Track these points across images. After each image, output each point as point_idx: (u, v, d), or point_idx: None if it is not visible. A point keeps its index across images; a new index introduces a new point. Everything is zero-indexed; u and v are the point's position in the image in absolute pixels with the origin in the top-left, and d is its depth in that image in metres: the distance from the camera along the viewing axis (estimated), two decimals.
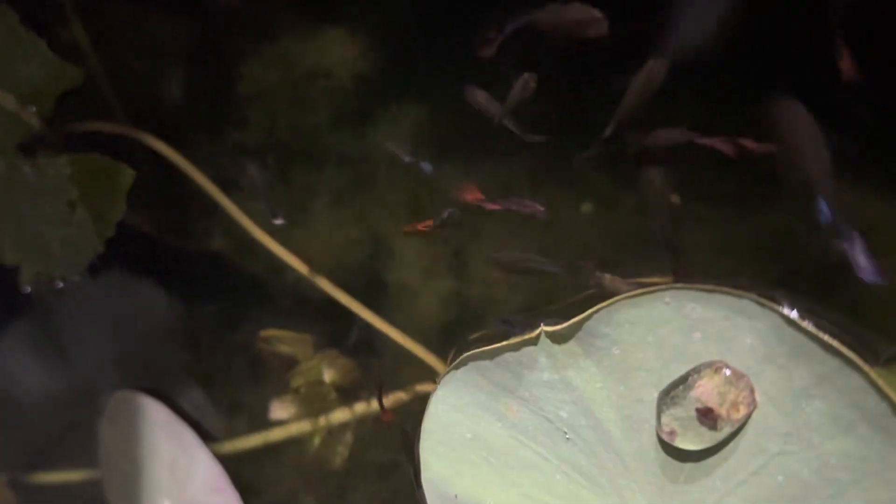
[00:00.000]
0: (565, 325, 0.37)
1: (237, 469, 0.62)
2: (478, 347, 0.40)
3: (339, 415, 0.60)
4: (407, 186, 0.57)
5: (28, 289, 0.65)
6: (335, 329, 0.59)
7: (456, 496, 0.44)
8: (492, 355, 0.40)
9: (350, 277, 0.57)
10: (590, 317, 0.36)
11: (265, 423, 0.63)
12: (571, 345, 0.37)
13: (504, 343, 0.39)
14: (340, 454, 0.60)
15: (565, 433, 0.39)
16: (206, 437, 0.62)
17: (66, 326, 0.69)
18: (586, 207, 0.49)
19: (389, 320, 0.55)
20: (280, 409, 0.62)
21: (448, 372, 0.42)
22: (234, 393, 0.64)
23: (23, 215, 0.62)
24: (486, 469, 0.43)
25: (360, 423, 0.59)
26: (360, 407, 0.59)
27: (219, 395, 0.64)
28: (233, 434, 0.64)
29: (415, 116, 0.58)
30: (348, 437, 0.60)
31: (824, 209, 0.37)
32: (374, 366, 0.56)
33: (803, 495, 0.33)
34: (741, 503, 0.35)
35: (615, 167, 0.48)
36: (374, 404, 0.59)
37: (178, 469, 0.62)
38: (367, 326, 0.57)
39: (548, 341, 0.38)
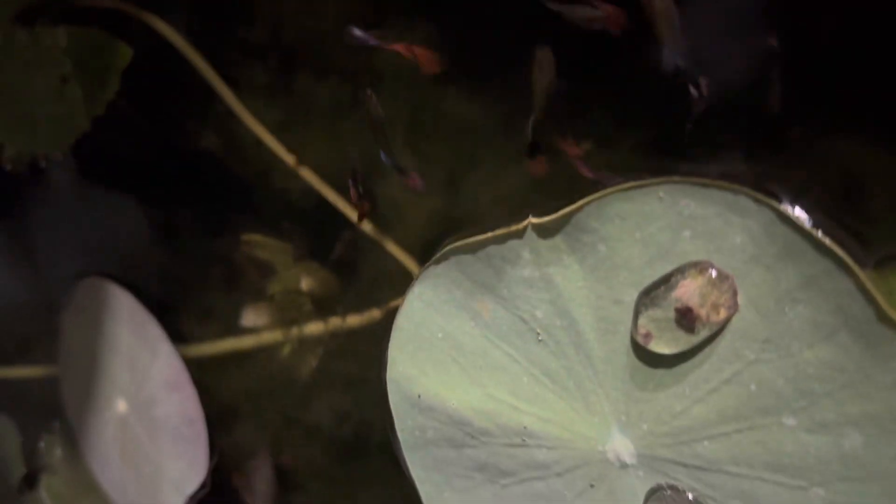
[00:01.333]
0: (554, 216, 0.36)
1: (200, 374, 0.61)
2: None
3: (313, 327, 0.59)
4: (410, 104, 0.56)
5: (8, 167, 0.64)
6: (318, 242, 0.58)
7: (419, 396, 0.43)
8: (475, 248, 0.39)
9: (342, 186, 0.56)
10: (580, 208, 0.35)
11: (235, 330, 0.62)
12: (557, 240, 0.36)
13: (489, 234, 0.38)
14: (308, 365, 0.59)
15: (538, 334, 0.38)
16: (173, 338, 0.61)
17: (38, 212, 0.68)
18: None
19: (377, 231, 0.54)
20: (252, 317, 0.61)
21: (427, 267, 0.42)
22: (206, 297, 0.63)
23: (13, 87, 0.61)
24: (453, 369, 0.42)
25: (333, 337, 0.58)
26: (334, 321, 0.58)
27: (191, 298, 0.63)
28: (201, 338, 0.62)
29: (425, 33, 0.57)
30: (318, 351, 0.59)
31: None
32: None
33: (774, 406, 0.33)
34: (710, 412, 0.34)
35: None
36: (350, 320, 0.58)
37: (137, 366, 0.61)
38: (352, 242, 0.56)
39: (533, 235, 0.37)
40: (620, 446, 0.37)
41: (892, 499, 0.31)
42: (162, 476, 0.61)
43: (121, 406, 0.63)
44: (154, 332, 0.58)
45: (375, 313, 0.55)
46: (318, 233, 0.57)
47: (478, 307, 0.40)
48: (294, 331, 0.59)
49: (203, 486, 0.61)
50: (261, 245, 0.58)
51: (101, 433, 0.66)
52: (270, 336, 0.60)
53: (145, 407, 0.61)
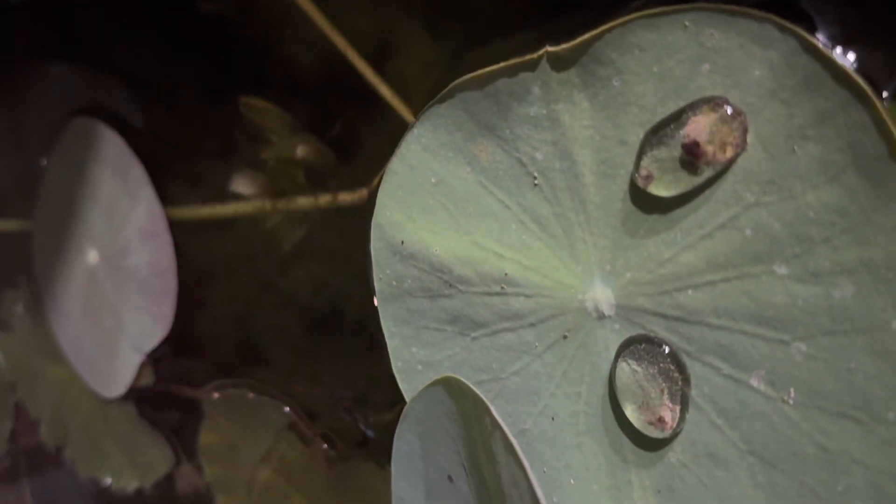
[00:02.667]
0: (572, 43, 0.35)
1: (181, 237, 0.59)
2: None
3: (303, 201, 0.58)
4: None
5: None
6: (319, 117, 0.57)
7: (402, 242, 0.42)
8: (483, 83, 0.38)
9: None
10: (600, 36, 0.34)
11: (223, 196, 0.60)
12: (571, 73, 0.36)
13: (501, 65, 0.37)
14: (293, 238, 0.58)
15: (534, 178, 0.37)
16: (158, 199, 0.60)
17: (36, 48, 0.66)
18: None
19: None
20: (242, 184, 0.60)
21: (431, 106, 0.41)
22: (198, 162, 0.62)
23: None
24: (442, 215, 0.41)
25: (322, 214, 0.57)
26: (325, 198, 0.57)
27: (181, 161, 0.62)
28: (186, 202, 0.61)
29: None
30: (305, 224, 0.58)
31: None
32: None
33: (768, 253, 0.32)
34: (699, 259, 0.33)
35: None
36: (341, 197, 0.57)
37: (115, 213, 0.59)
38: (353, 122, 0.55)
39: (546, 67, 0.36)
40: (600, 295, 0.36)
41: (873, 354, 0.30)
42: (123, 332, 0.60)
43: (92, 256, 0.61)
44: (137, 176, 0.57)
45: (366, 194, 0.54)
46: (321, 108, 0.56)
47: (476, 150, 0.39)
48: (283, 202, 0.58)
49: (162, 344, 0.60)
50: (260, 110, 0.57)
51: (67, 287, 0.65)
52: (258, 205, 0.59)
53: (117, 256, 0.59)
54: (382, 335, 0.50)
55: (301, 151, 0.56)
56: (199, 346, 0.62)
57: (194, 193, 0.62)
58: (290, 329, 0.59)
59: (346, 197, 0.57)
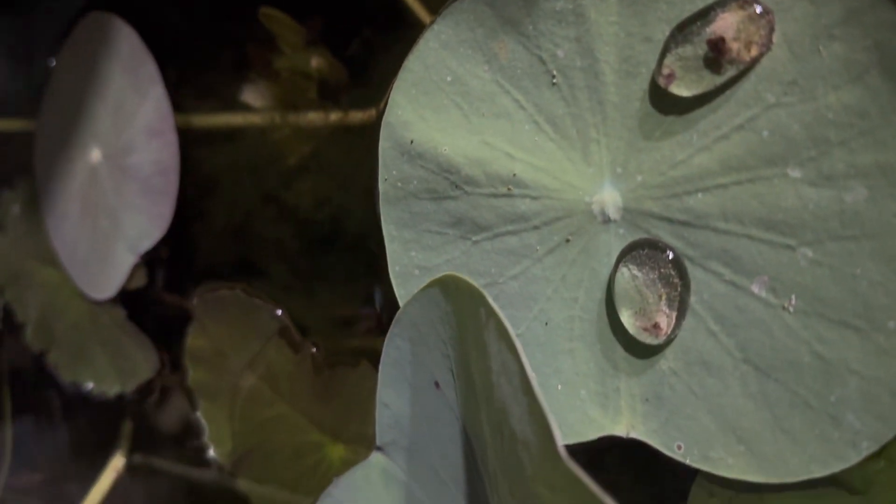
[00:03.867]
0: None
1: (186, 146, 0.59)
2: None
3: (313, 116, 0.57)
4: None
5: None
6: (336, 32, 0.56)
7: (412, 141, 0.42)
8: None
9: None
10: None
11: (232, 107, 0.60)
12: None
13: None
14: (299, 153, 0.57)
15: (553, 77, 0.37)
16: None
17: None
18: None
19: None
20: (253, 95, 0.59)
21: (453, 1, 0.40)
22: (210, 70, 0.61)
23: None
24: (455, 115, 0.40)
25: (331, 131, 0.57)
26: (335, 115, 0.57)
27: (194, 68, 0.61)
28: (196, 110, 0.61)
29: None
30: (313, 141, 0.57)
31: None
32: None
33: (783, 155, 0.31)
34: (712, 161, 0.33)
35: None
36: (350, 116, 0.57)
37: (122, 110, 0.59)
38: (370, 42, 0.55)
39: None
40: (608, 198, 0.35)
41: (880, 260, 0.29)
42: (119, 232, 0.59)
43: (94, 155, 0.61)
44: (149, 72, 0.56)
45: (375, 113, 0.54)
46: (339, 24, 0.56)
47: (496, 48, 0.39)
48: (293, 116, 0.58)
49: (157, 248, 0.59)
50: (278, 20, 0.57)
51: (66, 187, 0.64)
52: (267, 117, 0.58)
53: (121, 155, 0.59)
54: (381, 257, 0.49)
55: (315, 63, 0.56)
56: (195, 256, 0.61)
57: (203, 103, 0.62)
58: (288, 243, 0.58)
59: (356, 115, 0.56)
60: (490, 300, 0.34)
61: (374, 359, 0.47)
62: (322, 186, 0.56)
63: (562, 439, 0.28)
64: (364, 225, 0.55)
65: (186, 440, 0.65)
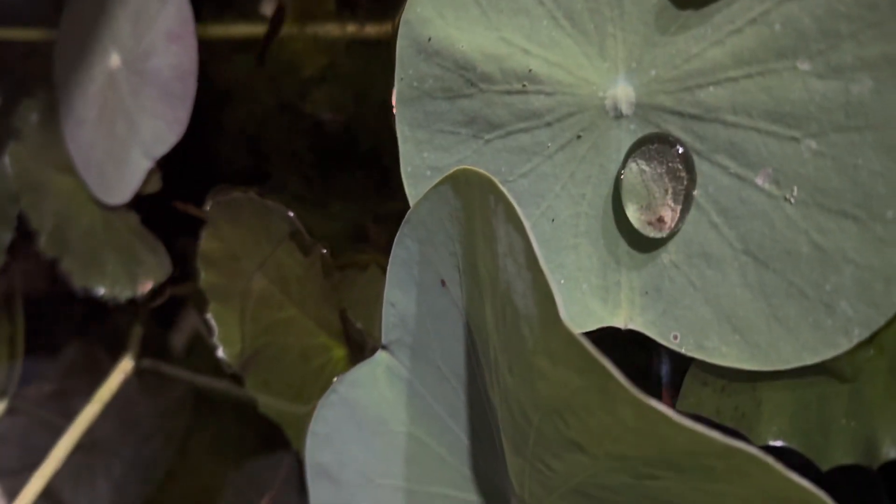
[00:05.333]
0: None
1: (204, 56, 0.59)
2: None
3: (330, 28, 0.58)
4: None
5: None
6: None
7: (429, 39, 0.42)
8: None
9: None
10: None
11: (252, 17, 0.60)
12: None
13: None
14: (316, 64, 0.58)
15: None
16: None
17: None
18: None
19: None
20: (272, 6, 0.59)
21: None
22: None
23: None
24: (473, 11, 0.41)
25: (348, 44, 0.57)
26: (352, 28, 0.57)
27: None
28: (215, 21, 0.61)
29: None
30: (330, 53, 0.58)
31: None
32: None
33: (792, 48, 0.32)
34: (725, 55, 0.34)
35: None
36: (367, 29, 0.57)
37: (143, 15, 0.59)
38: None
39: None
40: (621, 93, 0.36)
41: (882, 151, 0.30)
42: (135, 137, 0.60)
43: (114, 60, 0.62)
44: None
45: (391, 28, 0.54)
46: None
47: None
48: (310, 27, 0.58)
49: (173, 156, 0.60)
50: None
51: (84, 93, 0.65)
52: (285, 28, 0.59)
53: (140, 60, 0.59)
54: (394, 173, 0.50)
55: None
56: (209, 165, 0.62)
57: (223, 14, 0.62)
58: (302, 155, 0.59)
59: (372, 28, 0.57)
60: (499, 185, 0.35)
61: (383, 266, 0.48)
62: (337, 99, 0.57)
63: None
64: (377, 139, 0.56)
65: (195, 348, 0.67)
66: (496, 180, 0.35)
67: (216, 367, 0.65)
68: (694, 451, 0.30)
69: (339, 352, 0.54)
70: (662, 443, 0.30)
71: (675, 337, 0.36)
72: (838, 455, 0.32)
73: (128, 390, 0.71)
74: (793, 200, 0.32)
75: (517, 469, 0.40)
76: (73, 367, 0.83)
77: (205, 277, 0.56)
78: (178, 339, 0.70)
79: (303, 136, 0.58)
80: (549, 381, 0.32)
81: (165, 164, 0.61)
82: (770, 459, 0.28)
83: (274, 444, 0.63)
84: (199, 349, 0.70)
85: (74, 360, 0.83)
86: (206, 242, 0.55)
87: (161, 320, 0.70)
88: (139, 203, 0.63)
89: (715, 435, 0.28)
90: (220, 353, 0.56)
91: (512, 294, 0.34)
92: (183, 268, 0.65)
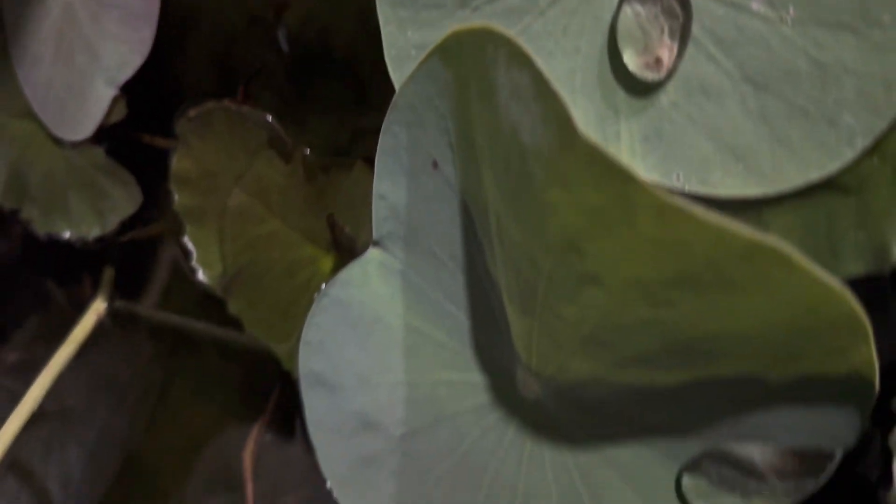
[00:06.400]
0: None
1: None
2: None
3: None
4: None
5: None
6: None
7: None
8: None
9: None
10: None
11: None
12: None
13: None
14: None
15: None
16: None
17: None
18: None
19: None
20: None
21: None
22: None
23: None
24: None
25: None
26: None
27: None
28: None
29: None
30: None
31: None
32: None
33: None
34: None
35: None
36: None
37: None
38: None
39: None
40: None
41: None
42: (97, 65, 0.58)
43: None
44: None
45: None
46: None
47: None
48: None
49: (137, 84, 0.58)
50: None
51: (38, 29, 0.63)
52: None
53: None
54: (372, 86, 0.49)
55: None
56: (176, 90, 0.61)
57: None
58: (274, 71, 0.58)
59: None
60: (497, 28, 0.34)
61: (371, 160, 0.47)
62: (311, 7, 0.55)
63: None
64: (352, 48, 0.55)
65: (173, 291, 0.65)
66: (493, 25, 0.35)
67: (196, 310, 0.64)
68: (714, 260, 0.30)
69: (327, 263, 0.53)
70: (682, 253, 0.30)
71: (678, 177, 0.36)
72: (850, 267, 0.32)
73: (101, 344, 0.69)
74: (789, 21, 0.33)
75: (524, 333, 0.40)
76: (39, 334, 0.80)
77: (179, 200, 0.55)
78: (155, 285, 0.67)
79: (275, 51, 0.57)
80: (562, 214, 0.32)
81: (130, 94, 0.59)
82: (793, 251, 0.28)
83: (262, 378, 0.62)
84: (177, 293, 0.68)
85: (41, 327, 0.79)
86: (179, 162, 0.54)
87: (135, 265, 0.67)
88: (103, 137, 0.61)
89: (739, 227, 0.28)
90: (201, 276, 0.54)
91: (519, 135, 0.34)
92: (155, 206, 0.63)
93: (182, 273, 0.64)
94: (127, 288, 0.67)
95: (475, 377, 0.45)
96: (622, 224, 0.30)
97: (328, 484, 0.49)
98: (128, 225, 0.61)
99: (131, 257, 0.67)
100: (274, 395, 0.59)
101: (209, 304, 0.61)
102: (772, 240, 0.28)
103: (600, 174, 0.29)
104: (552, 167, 0.31)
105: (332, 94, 0.57)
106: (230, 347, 0.64)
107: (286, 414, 0.59)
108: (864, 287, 0.32)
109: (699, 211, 0.28)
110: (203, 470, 0.67)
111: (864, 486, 0.39)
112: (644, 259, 0.31)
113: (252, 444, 0.57)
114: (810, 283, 0.30)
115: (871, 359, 0.32)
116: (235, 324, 0.58)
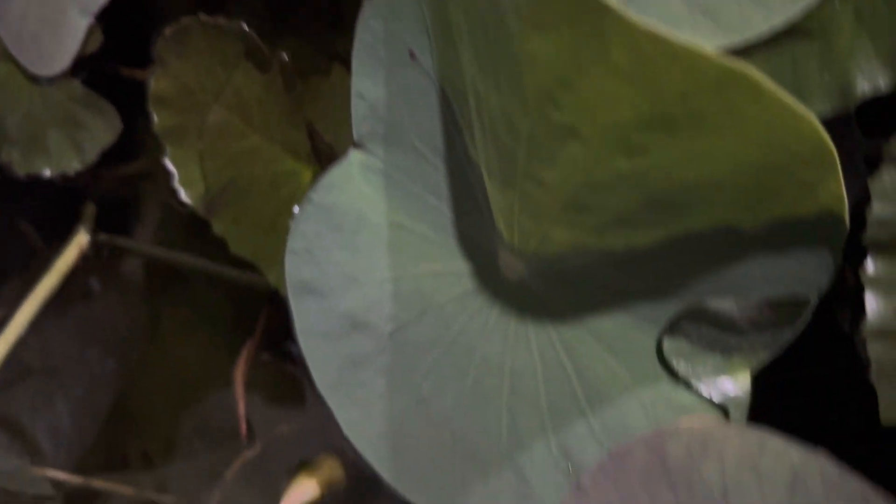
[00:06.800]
0: None
1: None
2: None
3: None
4: None
5: None
6: None
7: None
8: None
9: None
10: None
11: None
12: None
13: None
14: None
15: None
16: None
17: None
18: None
19: None
20: None
21: None
22: None
23: None
24: None
25: None
26: None
27: None
28: None
29: None
30: None
31: None
32: None
33: None
34: None
35: None
36: None
37: None
38: None
39: None
40: None
41: None
42: None
43: None
44: None
45: None
46: None
47: None
48: None
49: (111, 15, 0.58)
50: None
51: None
52: None
53: None
54: (348, 10, 0.50)
55: None
56: (153, 17, 0.61)
57: None
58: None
59: None
60: None
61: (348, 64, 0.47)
62: None
63: None
64: None
65: (158, 223, 0.65)
66: None
67: (183, 245, 0.64)
68: (686, 93, 0.31)
69: (309, 176, 0.54)
70: (656, 89, 0.31)
71: None
72: (816, 107, 0.34)
73: (88, 294, 0.69)
74: None
75: (506, 209, 0.41)
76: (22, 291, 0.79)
77: (159, 121, 0.55)
78: (140, 222, 0.68)
79: None
80: (539, 64, 0.33)
81: (106, 23, 0.59)
82: (763, 77, 0.29)
83: (250, 305, 0.62)
84: (163, 230, 0.68)
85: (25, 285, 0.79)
86: (157, 82, 0.54)
87: (119, 205, 0.68)
88: (80, 69, 0.61)
89: (710, 52, 0.29)
90: (183, 196, 0.55)
91: None
92: (138, 144, 0.63)
93: (168, 208, 0.64)
94: (112, 227, 0.67)
95: (459, 266, 0.46)
96: (597, 62, 0.31)
97: (318, 387, 0.49)
98: (110, 160, 0.61)
99: (116, 197, 0.67)
100: (263, 318, 0.59)
101: (195, 239, 0.62)
102: (742, 65, 0.29)
103: (574, 7, 0.30)
104: (529, 15, 0.32)
105: (309, 18, 0.58)
106: (217, 278, 0.64)
107: (277, 336, 0.60)
108: (831, 128, 0.33)
109: (670, 34, 0.29)
110: (195, 405, 0.68)
111: (840, 333, 0.40)
112: (619, 100, 0.32)
113: (242, 363, 0.58)
114: (779, 114, 0.31)
115: (840, 193, 0.33)
116: (223, 255, 0.58)
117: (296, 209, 0.53)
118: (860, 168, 0.36)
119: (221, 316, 0.65)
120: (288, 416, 0.62)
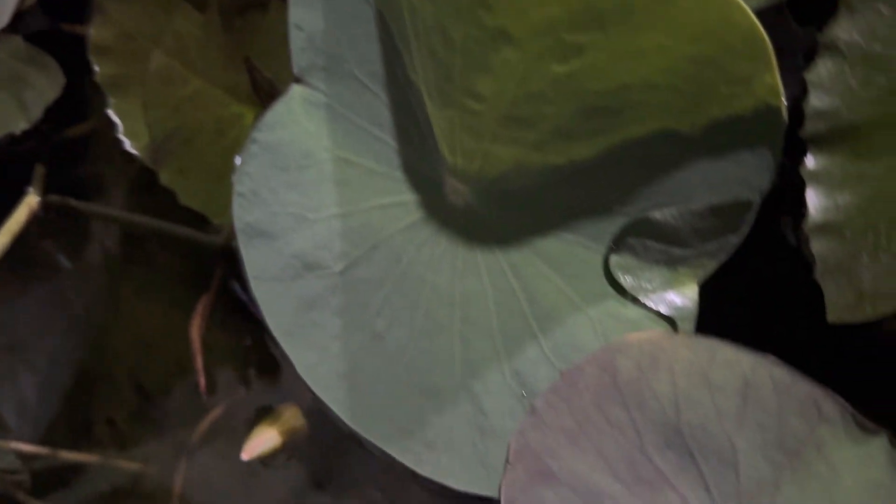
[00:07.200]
0: None
1: None
2: None
3: None
4: None
5: None
6: None
7: None
8: None
9: None
10: None
11: None
12: None
13: None
14: None
15: None
16: None
17: None
18: None
19: None
20: None
21: None
22: None
23: None
24: None
25: None
26: None
27: None
28: None
29: None
30: None
31: None
32: None
33: None
34: None
35: None
36: None
37: None
38: None
39: None
40: None
41: None
42: None
43: None
44: None
45: None
46: None
47: None
48: None
49: None
50: None
51: None
52: None
53: None
54: None
55: None
56: None
57: None
58: None
59: None
60: None
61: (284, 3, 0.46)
62: None
63: None
64: None
65: (106, 180, 0.64)
66: None
67: (134, 205, 0.63)
68: None
69: (252, 118, 0.53)
70: None
71: None
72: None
73: (41, 253, 0.68)
74: None
75: (447, 129, 0.40)
76: None
77: (100, 71, 0.54)
78: (90, 183, 0.66)
79: None
80: None
81: None
82: None
83: (206, 262, 0.61)
84: (114, 191, 0.67)
85: None
86: (97, 31, 0.53)
87: (68, 167, 0.66)
88: (20, 25, 0.60)
89: None
90: (129, 147, 0.54)
91: None
92: (83, 104, 0.62)
93: (119, 168, 0.63)
94: (64, 190, 0.66)
95: (406, 197, 0.45)
96: None
97: (273, 333, 0.48)
98: (59, 123, 0.59)
99: (66, 160, 0.66)
100: (217, 272, 0.58)
101: (148, 198, 0.60)
102: None
103: None
104: None
105: None
106: (172, 236, 0.63)
107: (233, 290, 0.59)
108: (763, 19, 0.32)
109: None
110: (158, 367, 0.67)
111: (783, 239, 0.40)
112: None
113: (198, 319, 0.57)
114: (709, 3, 0.30)
115: (775, 85, 0.32)
116: (176, 213, 0.57)
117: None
118: (798, 62, 0.35)
119: (178, 274, 0.64)
120: (249, 370, 0.62)
